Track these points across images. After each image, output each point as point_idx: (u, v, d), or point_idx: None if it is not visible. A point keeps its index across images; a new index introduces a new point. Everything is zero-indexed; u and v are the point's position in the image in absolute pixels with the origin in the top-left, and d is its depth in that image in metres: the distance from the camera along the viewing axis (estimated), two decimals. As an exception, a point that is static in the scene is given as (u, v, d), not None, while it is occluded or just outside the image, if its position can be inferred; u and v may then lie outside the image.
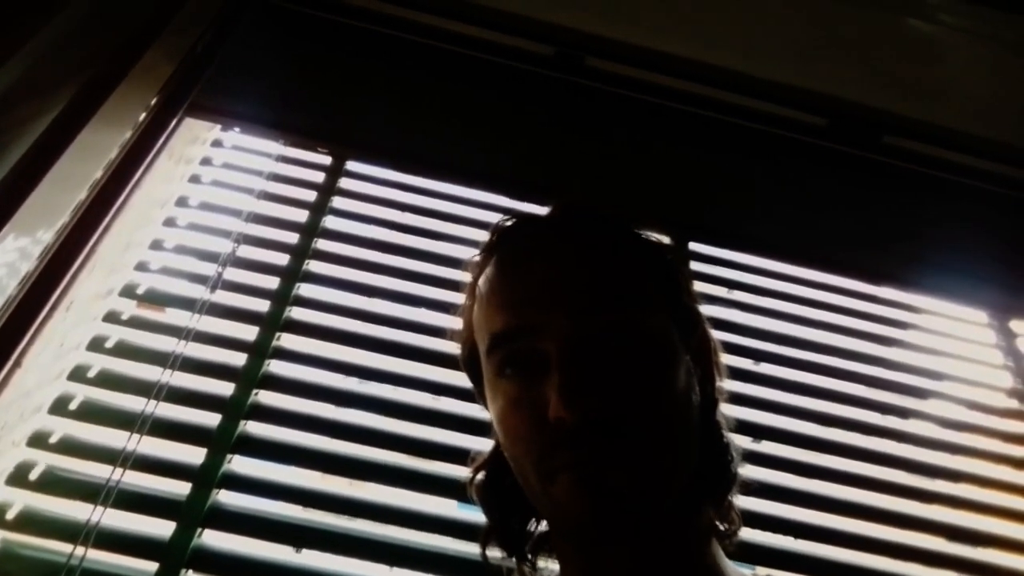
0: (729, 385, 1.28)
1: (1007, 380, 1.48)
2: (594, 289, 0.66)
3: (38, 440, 1.03)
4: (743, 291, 1.47)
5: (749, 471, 1.21)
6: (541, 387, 0.62)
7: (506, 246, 0.76)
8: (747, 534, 1.14)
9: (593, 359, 0.62)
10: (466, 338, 0.79)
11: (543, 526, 0.76)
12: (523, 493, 0.72)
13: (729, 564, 0.69)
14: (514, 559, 0.75)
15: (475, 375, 0.78)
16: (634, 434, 0.60)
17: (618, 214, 0.79)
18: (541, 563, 0.76)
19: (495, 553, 0.77)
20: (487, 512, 0.78)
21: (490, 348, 0.69)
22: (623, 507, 0.59)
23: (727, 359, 1.31)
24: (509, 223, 0.80)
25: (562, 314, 0.64)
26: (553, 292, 0.66)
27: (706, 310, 1.35)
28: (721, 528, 0.72)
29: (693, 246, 1.49)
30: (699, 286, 1.43)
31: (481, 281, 0.75)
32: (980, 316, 1.57)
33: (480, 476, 0.80)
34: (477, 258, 0.79)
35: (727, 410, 1.23)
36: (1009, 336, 1.54)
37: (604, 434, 0.59)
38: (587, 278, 0.67)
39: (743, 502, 1.15)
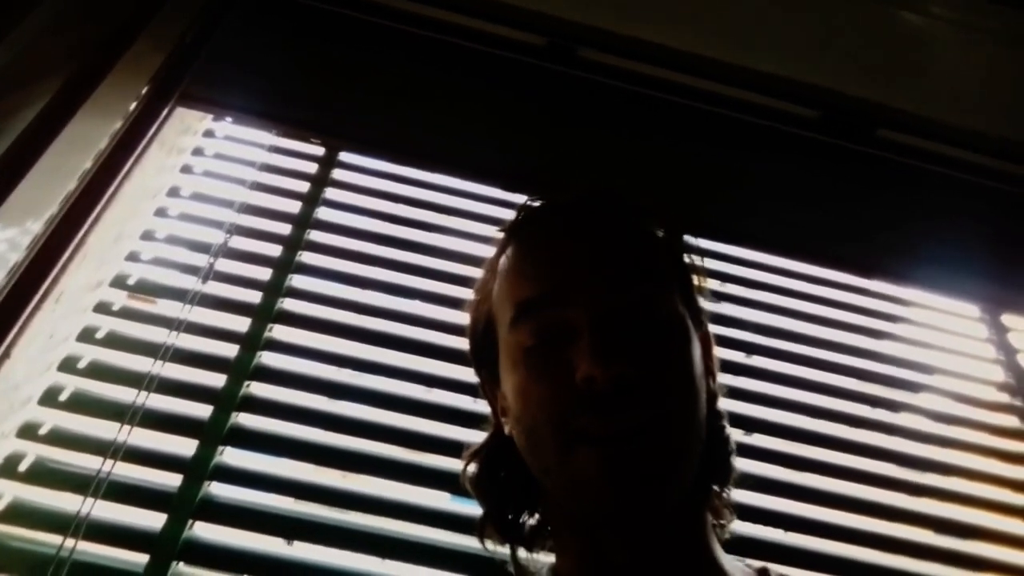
0: (721, 378, 1.29)
1: (998, 374, 1.48)
2: (621, 267, 0.68)
3: (28, 431, 1.02)
4: (734, 284, 1.47)
5: (740, 464, 1.21)
6: (567, 355, 0.62)
7: (532, 225, 0.78)
8: (738, 527, 1.15)
9: (621, 327, 0.63)
10: (482, 314, 0.79)
11: (538, 517, 0.77)
12: (519, 483, 0.73)
13: (725, 555, 0.70)
14: (509, 546, 0.75)
15: (483, 355, 0.78)
16: (658, 408, 0.61)
17: (638, 204, 0.80)
18: (535, 554, 0.76)
19: (492, 543, 0.77)
20: (482, 500, 0.78)
21: (516, 316, 0.69)
22: (644, 495, 0.59)
23: (719, 352, 1.32)
24: (534, 205, 0.81)
25: (591, 285, 0.65)
26: (582, 266, 0.67)
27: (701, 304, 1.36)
28: (715, 520, 0.73)
29: (685, 239, 1.48)
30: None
31: (505, 257, 0.76)
32: (972, 310, 1.57)
33: (474, 466, 0.80)
34: (500, 237, 0.80)
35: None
36: (1001, 330, 1.54)
37: (630, 402, 0.59)
38: (614, 256, 0.69)
39: (734, 494, 1.16)
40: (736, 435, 1.23)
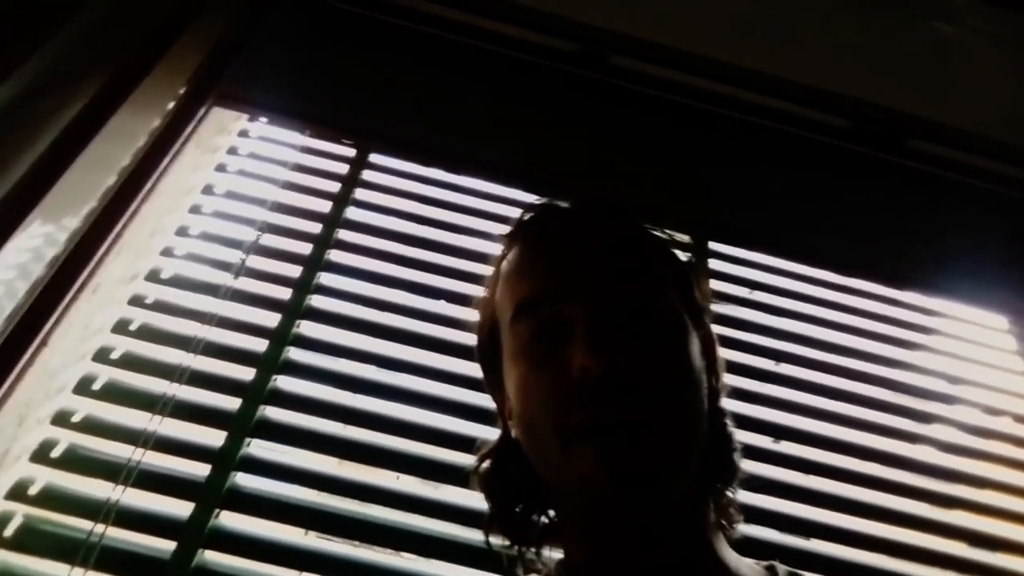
0: (748, 384, 1.29)
1: (1027, 386, 1.46)
2: (617, 265, 0.69)
3: (62, 419, 1.04)
4: (763, 291, 1.46)
5: (768, 471, 1.21)
6: (565, 350, 0.63)
7: (532, 229, 0.79)
8: (763, 532, 1.15)
9: (617, 322, 0.64)
10: (486, 318, 0.80)
11: (547, 516, 0.78)
12: (528, 482, 0.74)
13: (731, 553, 0.70)
14: (516, 547, 0.77)
15: (489, 359, 0.80)
16: (654, 399, 0.61)
17: (638, 209, 0.81)
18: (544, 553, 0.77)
19: (499, 541, 0.78)
20: (490, 500, 0.79)
21: (515, 315, 0.70)
22: (643, 488, 0.60)
23: (747, 358, 1.32)
24: (534, 210, 0.83)
25: (588, 284, 0.66)
26: (579, 264, 0.69)
27: (726, 309, 1.37)
28: (721, 519, 0.73)
29: (713, 245, 1.49)
30: (718, 285, 1.43)
31: (507, 261, 0.78)
32: (1000, 321, 1.56)
33: (485, 465, 0.82)
34: (502, 243, 0.82)
35: (745, 408, 1.25)
36: (1029, 342, 1.52)
37: (626, 392, 0.60)
38: (611, 258, 0.70)
39: (761, 501, 1.16)
40: (764, 442, 1.24)
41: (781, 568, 0.73)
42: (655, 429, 0.60)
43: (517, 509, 0.77)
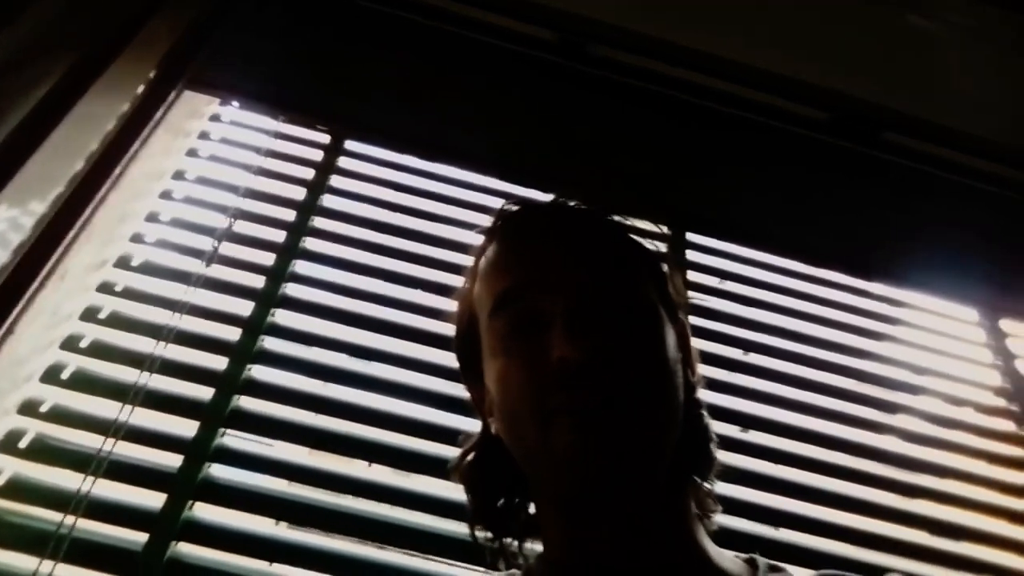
0: (718, 374, 1.30)
1: (995, 378, 1.49)
2: (593, 257, 0.70)
3: (29, 408, 1.02)
4: (737, 282, 1.47)
5: (736, 460, 1.22)
6: (543, 340, 0.64)
7: (510, 225, 0.80)
8: (732, 522, 1.15)
9: (595, 313, 0.64)
10: (463, 314, 0.80)
11: (528, 510, 0.77)
12: (509, 476, 0.74)
13: (712, 544, 0.70)
14: (497, 541, 0.77)
15: (468, 354, 0.79)
16: (631, 384, 0.62)
17: (614, 208, 0.82)
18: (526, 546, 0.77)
19: (481, 535, 0.78)
20: (471, 494, 0.79)
21: (494, 309, 0.71)
22: (620, 462, 0.60)
23: (719, 348, 1.33)
24: (511, 208, 0.83)
25: (566, 277, 0.67)
26: (556, 257, 0.70)
27: (699, 299, 1.37)
28: (700, 511, 0.73)
29: (689, 236, 1.49)
30: (695, 276, 1.44)
31: (484, 257, 0.78)
32: (971, 314, 1.58)
33: (467, 460, 0.81)
34: (481, 240, 0.82)
35: (715, 398, 1.25)
36: (999, 335, 1.55)
37: (602, 375, 0.61)
38: (586, 248, 0.71)
39: (728, 490, 1.16)
40: (732, 431, 1.25)
41: (762, 561, 0.73)
42: (632, 409, 0.61)
43: (498, 503, 0.77)
